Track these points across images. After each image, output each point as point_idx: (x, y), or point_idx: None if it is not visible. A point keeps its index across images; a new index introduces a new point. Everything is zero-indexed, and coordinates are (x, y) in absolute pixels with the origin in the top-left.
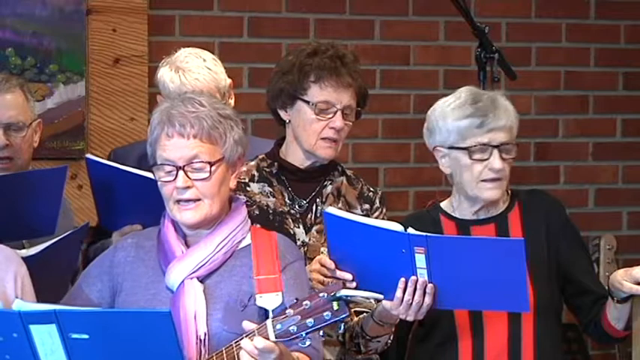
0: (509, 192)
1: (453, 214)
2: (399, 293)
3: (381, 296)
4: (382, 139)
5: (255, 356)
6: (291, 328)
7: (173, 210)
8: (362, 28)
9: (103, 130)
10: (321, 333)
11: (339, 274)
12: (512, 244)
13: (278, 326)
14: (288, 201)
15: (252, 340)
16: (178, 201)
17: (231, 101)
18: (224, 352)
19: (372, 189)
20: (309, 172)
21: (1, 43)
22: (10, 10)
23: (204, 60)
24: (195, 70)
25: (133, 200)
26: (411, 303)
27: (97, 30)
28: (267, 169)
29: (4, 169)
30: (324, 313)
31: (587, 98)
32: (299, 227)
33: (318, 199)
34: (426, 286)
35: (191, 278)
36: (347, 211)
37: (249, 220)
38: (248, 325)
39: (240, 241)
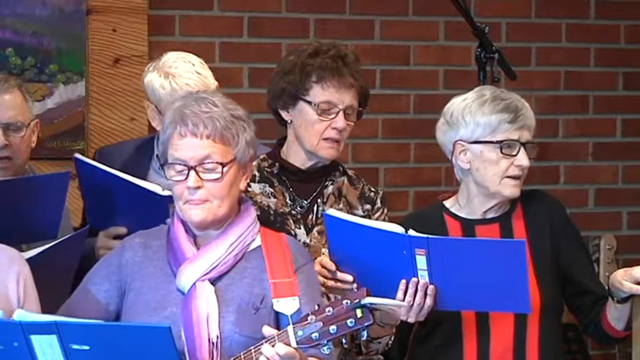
0: None
1: (458, 213)
2: (399, 295)
3: (404, 304)
4: (382, 139)
5: None
6: (313, 334)
7: (183, 209)
8: (362, 28)
9: (103, 130)
10: (343, 340)
11: (340, 275)
12: (514, 245)
13: (300, 332)
14: (289, 201)
15: (273, 346)
16: (188, 201)
17: None
18: (242, 357)
19: (373, 189)
20: (310, 172)
21: (1, 43)
22: (10, 10)
23: (193, 64)
24: (185, 75)
25: (118, 202)
26: (412, 304)
27: (97, 30)
28: (268, 170)
29: (3, 169)
30: (348, 320)
31: (587, 98)
32: (300, 228)
33: (319, 200)
34: (427, 287)
35: (203, 280)
36: (348, 211)
37: (259, 221)
38: (268, 331)
39: (250, 243)
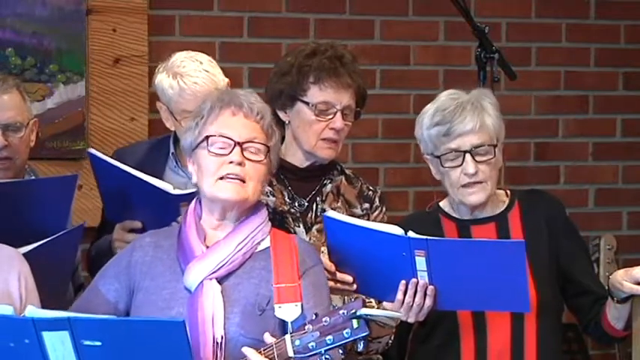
0: (509, 192)
1: (452, 214)
2: (399, 295)
3: (401, 314)
4: (382, 139)
5: None
6: (310, 344)
7: (214, 185)
8: (362, 28)
9: (103, 130)
10: (340, 351)
11: (340, 276)
12: (513, 246)
13: (297, 342)
14: (288, 200)
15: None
16: (222, 177)
17: None
18: None
19: (371, 188)
20: (308, 171)
21: (1, 43)
22: (10, 10)
23: (201, 63)
24: (193, 74)
25: (131, 198)
26: (412, 305)
27: (97, 30)
28: None
29: (3, 169)
30: (344, 331)
31: (587, 98)
32: (299, 226)
33: (318, 198)
34: (427, 288)
35: (210, 279)
36: (347, 209)
37: (270, 222)
38: (267, 338)
39: (259, 243)
